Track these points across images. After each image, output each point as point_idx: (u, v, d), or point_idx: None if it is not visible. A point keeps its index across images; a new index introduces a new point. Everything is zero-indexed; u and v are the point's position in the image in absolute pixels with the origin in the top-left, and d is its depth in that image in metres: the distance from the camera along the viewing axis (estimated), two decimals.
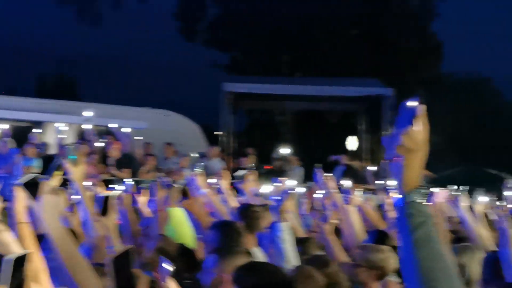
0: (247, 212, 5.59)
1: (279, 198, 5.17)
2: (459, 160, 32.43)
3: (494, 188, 10.61)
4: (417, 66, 34.90)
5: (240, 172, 7.88)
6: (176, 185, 6.49)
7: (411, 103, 2.02)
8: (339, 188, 6.63)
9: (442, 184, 12.34)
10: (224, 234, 4.82)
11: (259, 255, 5.20)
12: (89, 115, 15.87)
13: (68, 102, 20.00)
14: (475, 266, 4.22)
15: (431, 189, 6.46)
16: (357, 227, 5.94)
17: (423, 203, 2.04)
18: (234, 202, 6.81)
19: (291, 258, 4.81)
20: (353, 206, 6.11)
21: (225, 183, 7.06)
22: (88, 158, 12.64)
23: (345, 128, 25.57)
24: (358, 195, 6.87)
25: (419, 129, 2.00)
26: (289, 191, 5.38)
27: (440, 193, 5.49)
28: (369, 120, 23.17)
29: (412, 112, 2.01)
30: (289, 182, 5.95)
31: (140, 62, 59.24)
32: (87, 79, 50.00)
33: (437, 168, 26.09)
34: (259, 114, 35.23)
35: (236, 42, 35.88)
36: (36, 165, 12.38)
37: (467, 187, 7.79)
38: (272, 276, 3.16)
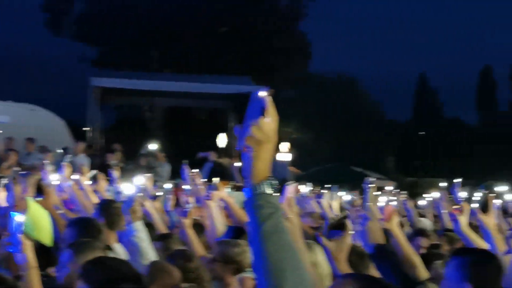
0: (107, 209, 5.48)
1: (130, 197, 5.14)
2: (326, 158, 33.28)
3: (359, 186, 10.99)
4: (287, 65, 35.52)
5: (92, 172, 7.80)
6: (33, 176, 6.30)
7: (261, 94, 2.00)
8: (208, 185, 6.65)
9: (309, 181, 12.62)
10: (82, 231, 4.69)
11: (120, 251, 5.12)
12: None
13: None
14: (324, 261, 4.29)
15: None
16: (218, 223, 5.95)
17: (272, 195, 2.02)
18: (95, 198, 6.68)
19: (149, 256, 4.77)
20: (215, 202, 6.11)
21: (85, 180, 6.92)
22: None
23: (215, 125, 25.66)
24: (225, 192, 6.89)
25: (269, 121, 1.99)
26: (139, 191, 5.37)
27: (290, 188, 5.60)
28: (239, 117, 23.37)
29: (262, 104, 1.99)
30: (139, 181, 5.89)
31: (4, 55, 57.13)
32: None
33: (305, 165, 26.68)
34: (128, 110, 34.78)
35: (104, 36, 35.17)
36: None
37: (330, 185, 8.01)
38: (119, 270, 3.09)
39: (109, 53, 35.87)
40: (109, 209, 5.45)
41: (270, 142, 2.02)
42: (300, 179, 16.88)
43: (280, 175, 16.94)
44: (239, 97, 21.01)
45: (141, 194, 5.90)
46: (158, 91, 21.72)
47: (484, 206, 5.49)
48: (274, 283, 1.95)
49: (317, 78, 41.92)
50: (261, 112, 1.98)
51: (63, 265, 3.79)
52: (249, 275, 4.56)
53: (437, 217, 9.94)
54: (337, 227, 4.53)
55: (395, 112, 61.97)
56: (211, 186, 6.33)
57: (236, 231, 5.54)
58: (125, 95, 22.75)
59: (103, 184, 7.56)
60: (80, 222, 5.02)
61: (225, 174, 15.31)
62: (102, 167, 13.82)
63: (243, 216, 6.82)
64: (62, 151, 15.72)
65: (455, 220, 4.89)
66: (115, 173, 7.78)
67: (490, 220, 4.94)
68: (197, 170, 7.57)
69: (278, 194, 2.05)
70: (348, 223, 4.40)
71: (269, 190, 2.02)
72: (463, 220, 4.84)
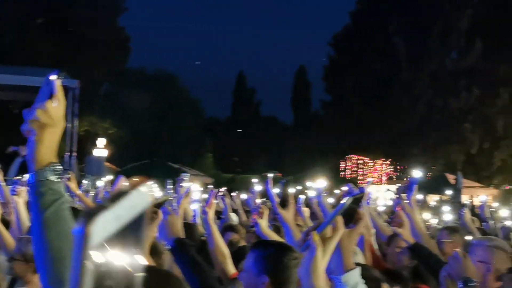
0: None
1: None
2: (142, 153, 33.12)
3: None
4: (104, 59, 34.97)
5: None
6: None
7: (51, 78, 1.96)
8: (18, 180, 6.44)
9: (126, 177, 12.52)
10: None
11: None
12: None
13: None
14: None
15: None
16: (24, 220, 5.78)
17: (56, 181, 1.98)
18: None
19: None
20: (21, 198, 5.93)
21: None
22: None
23: None
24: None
25: (56, 105, 1.96)
26: None
27: (122, 179, 5.64)
28: None
29: (51, 87, 1.96)
30: None
31: None
32: None
33: (121, 161, 26.43)
34: None
35: None
36: None
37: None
38: None
39: None
40: None
41: (55, 127, 1.97)
42: (116, 175, 16.76)
43: (96, 171, 16.72)
44: None
45: None
46: None
47: (284, 202, 5.73)
48: (54, 273, 1.93)
49: (136, 73, 41.60)
50: (49, 95, 1.95)
51: None
52: None
53: (249, 213, 10.22)
54: None
55: (214, 109, 62.90)
56: (17, 181, 6.14)
57: None
58: None
59: None
60: None
61: None
62: None
63: None
64: None
65: (255, 223, 5.00)
66: None
67: (289, 215, 5.13)
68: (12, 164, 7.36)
69: (62, 180, 2.01)
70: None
71: (52, 177, 1.97)
72: (263, 223, 4.97)
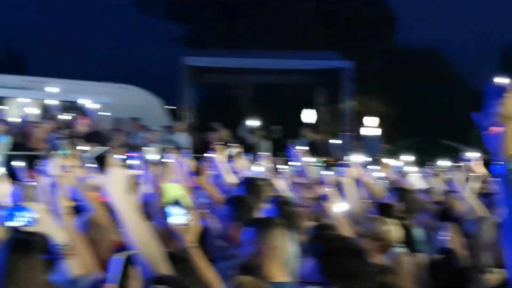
0: (252, 185, 5.57)
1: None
2: (412, 131, 32.74)
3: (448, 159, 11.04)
4: (372, 38, 35.11)
5: (232, 151, 7.76)
6: (166, 161, 6.35)
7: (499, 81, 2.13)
8: None
9: (398, 155, 12.46)
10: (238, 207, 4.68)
11: None
12: (53, 90, 15.74)
13: (31, 77, 18.71)
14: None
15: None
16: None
17: None
18: (232, 177, 6.66)
19: None
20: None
21: (221, 158, 6.91)
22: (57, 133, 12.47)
23: (302, 101, 25.54)
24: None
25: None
26: None
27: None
28: (326, 92, 23.32)
29: (502, 87, 2.11)
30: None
31: (93, 36, 57.47)
32: (36, 53, 48.06)
33: (390, 139, 26.37)
34: (216, 88, 34.56)
35: (193, 14, 35.46)
36: (5, 141, 11.64)
37: None
38: None
39: (198, 31, 35.94)
40: (253, 185, 5.56)
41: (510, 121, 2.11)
42: (390, 153, 16.82)
43: (372, 150, 16.74)
44: (326, 72, 20.76)
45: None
46: (247, 68, 21.71)
47: None
48: None
49: (403, 50, 40.94)
50: (502, 93, 2.12)
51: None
52: None
53: None
54: None
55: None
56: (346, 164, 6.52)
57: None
58: (215, 73, 22.58)
59: (242, 162, 7.68)
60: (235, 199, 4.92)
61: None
62: (202, 145, 13.95)
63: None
64: (161, 129, 16.22)
65: None
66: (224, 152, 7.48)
67: None
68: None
69: None
70: None
71: None
72: None
